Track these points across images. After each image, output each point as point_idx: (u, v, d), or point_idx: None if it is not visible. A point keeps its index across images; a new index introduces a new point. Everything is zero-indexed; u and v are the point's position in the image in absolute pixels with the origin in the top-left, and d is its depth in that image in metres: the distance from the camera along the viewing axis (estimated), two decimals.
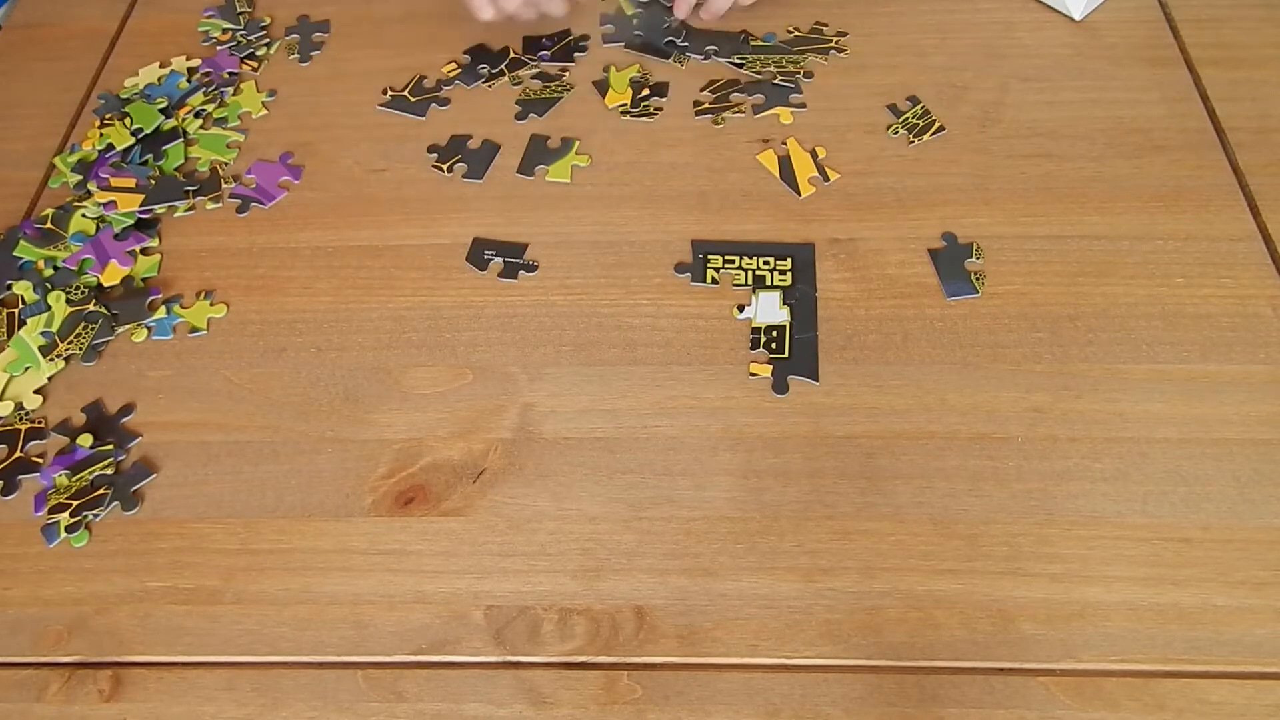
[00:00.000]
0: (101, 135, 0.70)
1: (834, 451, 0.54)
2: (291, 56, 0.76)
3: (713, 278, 0.61)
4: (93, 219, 0.66)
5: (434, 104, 0.72)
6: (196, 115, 0.72)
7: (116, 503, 0.54)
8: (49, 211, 0.66)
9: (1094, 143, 0.66)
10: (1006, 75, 0.70)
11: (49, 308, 0.62)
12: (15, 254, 0.64)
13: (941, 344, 0.58)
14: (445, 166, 0.68)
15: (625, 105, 0.71)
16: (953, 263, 0.61)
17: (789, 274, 0.61)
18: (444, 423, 0.56)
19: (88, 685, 0.49)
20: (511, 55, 0.74)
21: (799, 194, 0.65)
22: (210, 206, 0.67)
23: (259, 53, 0.76)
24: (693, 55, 0.73)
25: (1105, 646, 0.47)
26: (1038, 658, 0.47)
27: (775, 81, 0.71)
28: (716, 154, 0.67)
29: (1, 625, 0.51)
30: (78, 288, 0.63)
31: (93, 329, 0.61)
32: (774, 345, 0.58)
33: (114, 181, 0.67)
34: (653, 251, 0.63)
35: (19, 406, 0.58)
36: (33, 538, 0.54)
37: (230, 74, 0.75)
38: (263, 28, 0.78)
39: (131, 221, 0.65)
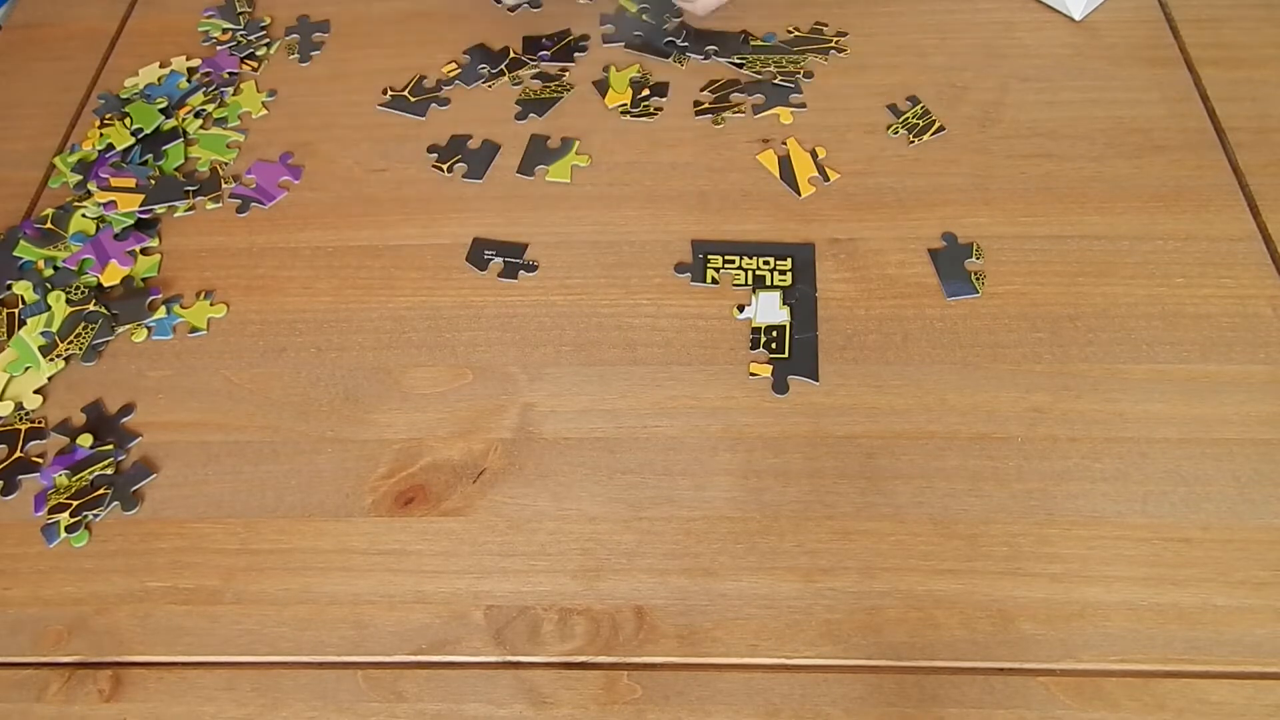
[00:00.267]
0: (101, 135, 0.70)
1: (834, 451, 0.54)
2: (291, 56, 0.76)
3: (713, 278, 0.61)
4: (93, 219, 0.66)
5: (434, 104, 0.72)
6: (196, 115, 0.72)
7: (116, 503, 0.54)
8: (49, 211, 0.66)
9: (1094, 143, 0.66)
10: (1006, 75, 0.70)
11: (49, 308, 0.62)
12: (15, 254, 0.64)
13: (941, 344, 0.58)
14: (445, 166, 0.68)
15: (625, 105, 0.71)
16: (953, 263, 0.61)
17: (789, 274, 0.61)
18: (444, 423, 0.56)
19: (88, 685, 0.49)
20: (511, 55, 0.74)
21: (799, 194, 0.65)
22: (210, 206, 0.67)
23: (259, 53, 0.76)
24: (693, 55, 0.73)
25: (1105, 646, 0.47)
26: (1038, 658, 0.47)
27: (775, 81, 0.71)
28: (716, 154, 0.67)
29: (1, 625, 0.51)
30: (78, 288, 0.63)
31: (93, 329, 0.61)
32: (774, 345, 0.58)
33: (114, 181, 0.67)
34: (653, 251, 0.63)
35: (19, 406, 0.58)
36: (33, 538, 0.54)
37: (230, 74, 0.75)
38: (263, 28, 0.78)
39: (131, 221, 0.66)
